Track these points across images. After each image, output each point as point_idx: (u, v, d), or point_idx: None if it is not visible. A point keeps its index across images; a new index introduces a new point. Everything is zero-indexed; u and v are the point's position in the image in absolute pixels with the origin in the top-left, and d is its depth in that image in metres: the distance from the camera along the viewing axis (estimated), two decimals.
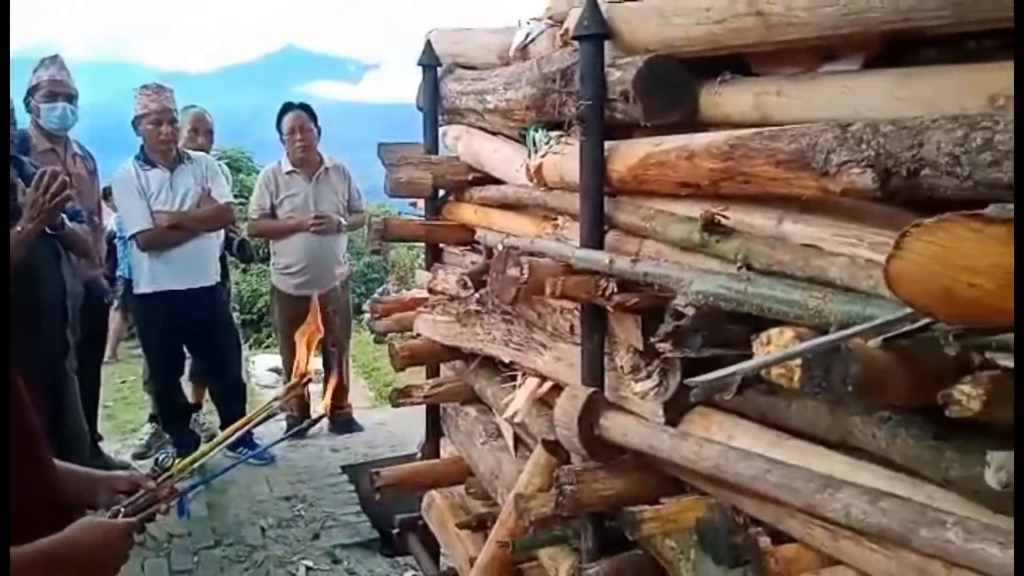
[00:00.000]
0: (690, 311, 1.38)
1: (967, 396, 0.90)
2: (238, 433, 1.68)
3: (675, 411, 1.66)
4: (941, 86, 1.17)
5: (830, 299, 1.15)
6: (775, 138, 1.31)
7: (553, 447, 2.02)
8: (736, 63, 1.58)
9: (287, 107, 4.71)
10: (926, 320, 0.86)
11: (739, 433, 1.55)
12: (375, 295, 8.55)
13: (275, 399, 1.72)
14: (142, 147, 4.11)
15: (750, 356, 1.19)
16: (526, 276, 1.69)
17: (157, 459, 4.25)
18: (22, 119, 3.48)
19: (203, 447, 1.74)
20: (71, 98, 3.75)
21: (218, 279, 4.34)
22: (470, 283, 2.15)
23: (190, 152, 4.29)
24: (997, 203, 0.73)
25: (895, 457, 1.21)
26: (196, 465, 1.61)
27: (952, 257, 0.70)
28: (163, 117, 4.04)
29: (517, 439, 2.43)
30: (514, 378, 2.28)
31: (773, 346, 1.14)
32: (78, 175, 3.79)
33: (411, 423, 3.77)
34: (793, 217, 1.40)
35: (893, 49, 1.32)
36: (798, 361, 1.07)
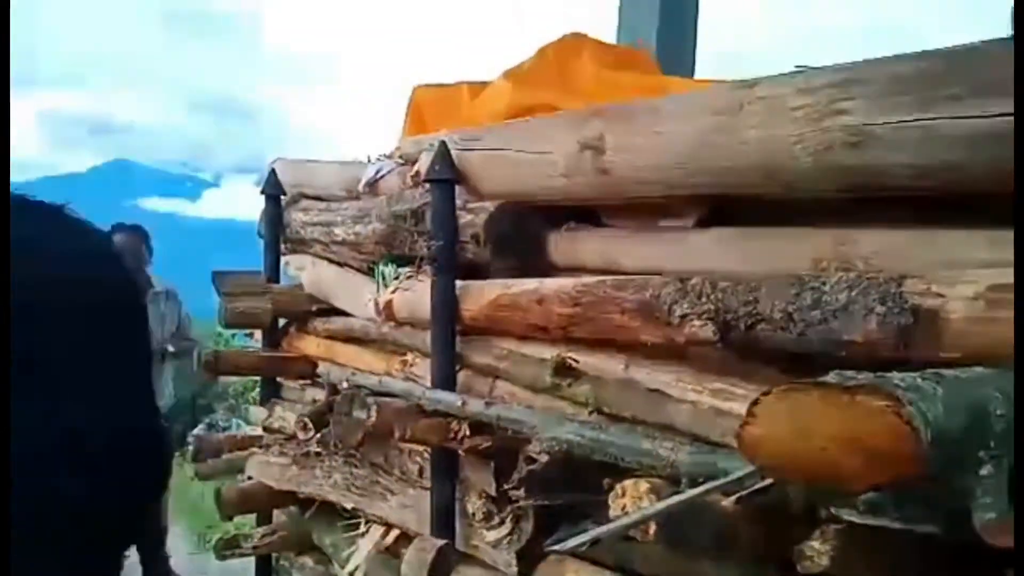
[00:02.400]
0: (544, 457, 1.35)
1: (817, 552, 0.92)
2: None
3: (528, 560, 1.60)
4: (767, 246, 1.27)
5: (680, 450, 1.16)
6: (620, 287, 1.35)
7: None
8: (585, 212, 1.66)
9: (117, 227, 4.42)
10: (770, 480, 0.88)
11: None
12: (200, 427, 7.90)
13: None
14: None
15: (605, 502, 1.17)
16: (373, 419, 1.60)
17: None
18: None
19: None
20: None
21: None
22: (310, 424, 2.02)
23: None
24: (837, 370, 0.76)
25: None
26: None
27: (802, 423, 0.72)
28: None
29: None
30: (357, 526, 2.13)
31: (628, 498, 1.12)
32: None
33: (239, 573, 3.41)
34: (638, 362, 1.44)
35: (724, 207, 1.43)
36: None
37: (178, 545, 5.54)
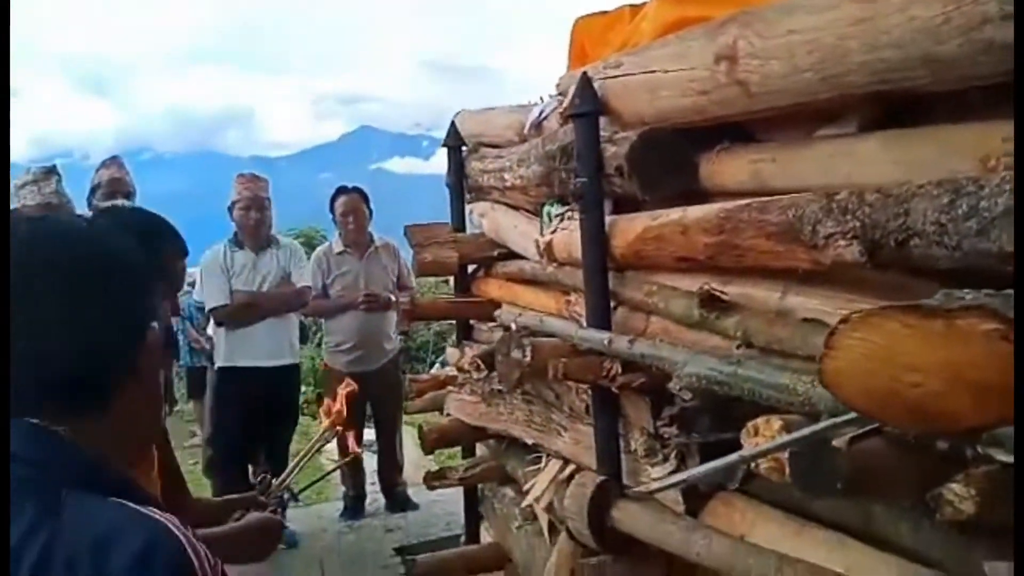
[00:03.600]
0: (686, 394, 1.30)
1: (959, 497, 0.80)
2: (303, 463, 2.05)
3: (695, 498, 1.56)
4: (931, 148, 1.09)
5: (819, 384, 1.06)
6: (763, 210, 1.24)
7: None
8: (740, 129, 1.53)
9: (341, 190, 4.84)
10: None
11: (762, 521, 1.43)
12: (436, 366, 8.55)
13: (324, 431, 2.05)
14: (235, 231, 4.31)
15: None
16: (529, 358, 1.64)
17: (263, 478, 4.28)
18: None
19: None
20: (129, 195, 3.94)
21: (294, 360, 4.44)
22: (482, 364, 2.10)
23: (279, 238, 4.46)
24: (946, 291, 0.65)
25: (920, 549, 1.09)
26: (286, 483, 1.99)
27: (890, 355, 0.62)
28: (253, 204, 4.25)
29: (551, 524, 2.33)
30: (540, 459, 2.20)
31: (761, 436, 1.05)
32: None
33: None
34: (795, 289, 1.32)
35: (891, 111, 1.25)
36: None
37: (417, 475, 6.07)
